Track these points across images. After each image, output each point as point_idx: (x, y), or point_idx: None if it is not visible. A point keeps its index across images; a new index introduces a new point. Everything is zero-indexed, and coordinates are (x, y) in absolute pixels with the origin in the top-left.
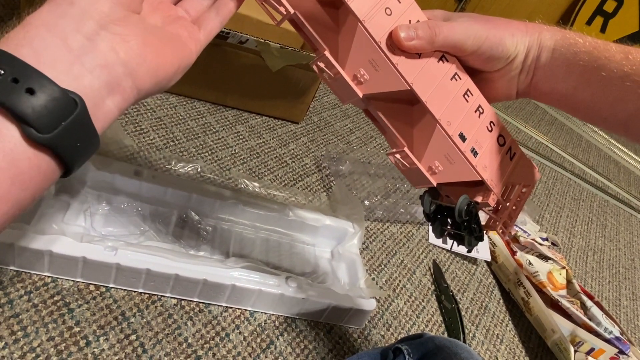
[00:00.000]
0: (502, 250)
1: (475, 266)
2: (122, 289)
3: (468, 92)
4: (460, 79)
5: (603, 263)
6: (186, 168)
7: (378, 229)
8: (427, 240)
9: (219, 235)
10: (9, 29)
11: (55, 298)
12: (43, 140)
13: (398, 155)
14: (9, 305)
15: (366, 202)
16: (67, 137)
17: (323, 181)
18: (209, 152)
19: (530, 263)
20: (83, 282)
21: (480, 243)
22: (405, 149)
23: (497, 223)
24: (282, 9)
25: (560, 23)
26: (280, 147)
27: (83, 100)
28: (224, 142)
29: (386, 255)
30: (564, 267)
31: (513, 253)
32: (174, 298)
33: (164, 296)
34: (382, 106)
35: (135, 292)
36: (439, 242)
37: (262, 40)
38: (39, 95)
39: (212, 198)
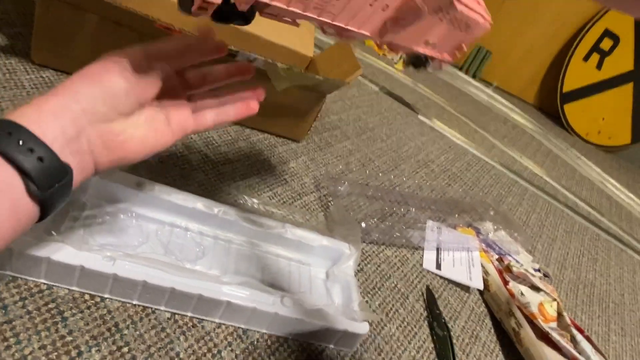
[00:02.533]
0: (494, 280)
1: (467, 294)
2: (117, 300)
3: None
4: None
5: (593, 297)
6: (187, 181)
7: (373, 252)
8: (421, 265)
9: (216, 251)
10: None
11: (50, 306)
12: (41, 195)
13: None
14: (3, 311)
15: (363, 224)
16: (56, 196)
17: (321, 201)
18: (210, 166)
19: (522, 294)
20: (78, 291)
21: (473, 271)
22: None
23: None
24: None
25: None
26: (280, 165)
27: (72, 169)
28: (225, 157)
29: (380, 278)
30: (554, 299)
31: (505, 282)
32: (168, 312)
33: (158, 309)
34: None
35: (130, 303)
36: (433, 267)
37: (270, 61)
38: (45, 163)
39: (212, 212)
